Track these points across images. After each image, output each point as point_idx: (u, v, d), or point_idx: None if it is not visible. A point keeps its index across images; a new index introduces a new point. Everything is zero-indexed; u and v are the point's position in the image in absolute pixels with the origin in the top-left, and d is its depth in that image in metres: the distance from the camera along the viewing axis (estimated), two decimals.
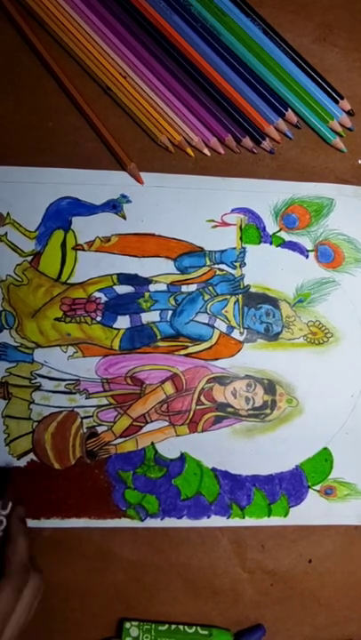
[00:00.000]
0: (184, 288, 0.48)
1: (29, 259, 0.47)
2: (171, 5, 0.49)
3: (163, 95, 0.48)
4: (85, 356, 0.47)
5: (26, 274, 0.47)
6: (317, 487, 0.48)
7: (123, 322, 0.47)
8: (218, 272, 0.49)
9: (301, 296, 0.49)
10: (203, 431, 0.47)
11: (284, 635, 0.47)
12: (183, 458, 0.47)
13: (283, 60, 0.49)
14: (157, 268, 0.48)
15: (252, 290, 0.49)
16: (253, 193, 0.49)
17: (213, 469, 0.47)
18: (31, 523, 0.45)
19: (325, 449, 0.48)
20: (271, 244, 0.49)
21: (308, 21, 0.52)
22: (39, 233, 0.47)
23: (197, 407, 0.47)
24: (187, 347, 0.48)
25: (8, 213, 0.47)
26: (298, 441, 0.48)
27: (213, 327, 0.48)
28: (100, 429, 0.46)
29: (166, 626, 0.45)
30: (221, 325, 0.48)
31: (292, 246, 0.50)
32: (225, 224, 0.49)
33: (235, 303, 0.48)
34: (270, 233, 0.49)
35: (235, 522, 0.47)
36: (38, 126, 0.48)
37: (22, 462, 0.46)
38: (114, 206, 0.48)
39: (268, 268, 0.49)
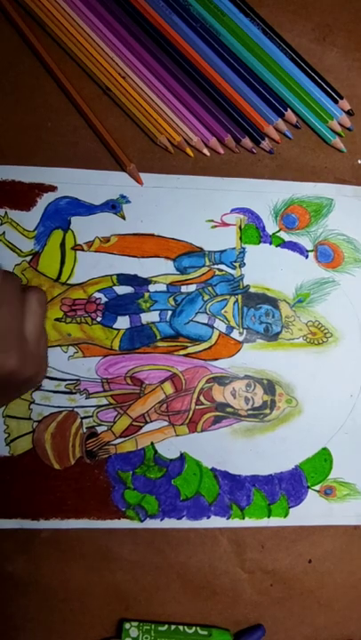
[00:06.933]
0: (183, 288, 0.48)
1: (28, 259, 0.47)
2: (170, 5, 0.49)
3: (162, 95, 0.48)
4: (86, 356, 0.47)
5: (25, 274, 0.47)
6: (317, 487, 0.48)
7: (122, 322, 0.47)
8: (217, 272, 0.49)
9: (301, 296, 0.49)
10: (202, 431, 0.47)
11: (283, 635, 0.47)
12: (183, 458, 0.47)
13: (282, 60, 0.49)
14: (157, 269, 0.48)
15: (252, 290, 0.49)
16: (253, 193, 0.49)
17: (213, 469, 0.47)
18: (30, 524, 0.45)
19: (325, 449, 0.48)
20: (271, 244, 0.49)
21: (307, 21, 0.52)
22: (38, 233, 0.47)
23: (197, 407, 0.47)
24: (186, 347, 0.48)
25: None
26: (297, 441, 0.48)
27: (213, 327, 0.48)
28: (99, 429, 0.46)
29: (166, 626, 0.45)
30: (221, 325, 0.48)
31: (292, 246, 0.50)
32: (224, 224, 0.49)
33: (234, 303, 0.48)
34: (270, 233, 0.49)
35: (235, 523, 0.47)
36: (37, 126, 0.48)
37: (22, 462, 0.46)
38: (113, 206, 0.48)
39: (268, 269, 0.49)
